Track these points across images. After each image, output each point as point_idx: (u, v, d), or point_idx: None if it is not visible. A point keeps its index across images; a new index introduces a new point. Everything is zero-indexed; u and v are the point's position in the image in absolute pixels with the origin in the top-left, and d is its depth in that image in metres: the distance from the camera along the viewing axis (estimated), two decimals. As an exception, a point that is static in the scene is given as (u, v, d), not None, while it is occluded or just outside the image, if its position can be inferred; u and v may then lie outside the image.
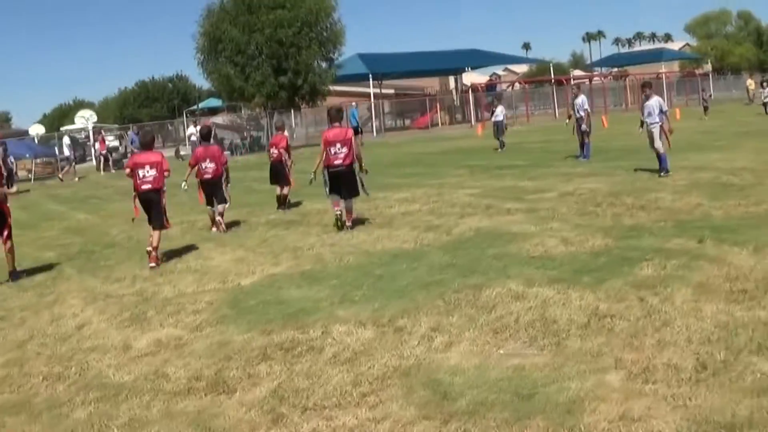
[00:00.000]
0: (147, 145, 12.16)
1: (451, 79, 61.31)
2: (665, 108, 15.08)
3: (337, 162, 12.24)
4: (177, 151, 40.35)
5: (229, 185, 14.29)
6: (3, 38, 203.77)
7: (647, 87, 15.96)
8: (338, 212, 12.39)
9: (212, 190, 13.86)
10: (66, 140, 39.41)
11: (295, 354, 6.54)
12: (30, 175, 40.97)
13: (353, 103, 50.34)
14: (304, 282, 9.15)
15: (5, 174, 14.35)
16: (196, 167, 13.91)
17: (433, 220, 12.58)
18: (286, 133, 17.17)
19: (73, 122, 58.45)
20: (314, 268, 9.87)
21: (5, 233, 11.45)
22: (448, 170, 21.28)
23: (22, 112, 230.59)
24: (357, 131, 40.59)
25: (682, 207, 11.37)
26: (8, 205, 11.78)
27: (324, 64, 43.39)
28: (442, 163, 23.95)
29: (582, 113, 19.93)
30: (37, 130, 66.14)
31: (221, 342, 7.19)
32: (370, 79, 51.25)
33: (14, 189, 15.19)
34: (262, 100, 42.37)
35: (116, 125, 71.03)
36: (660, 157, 14.95)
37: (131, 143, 33.54)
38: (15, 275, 11.51)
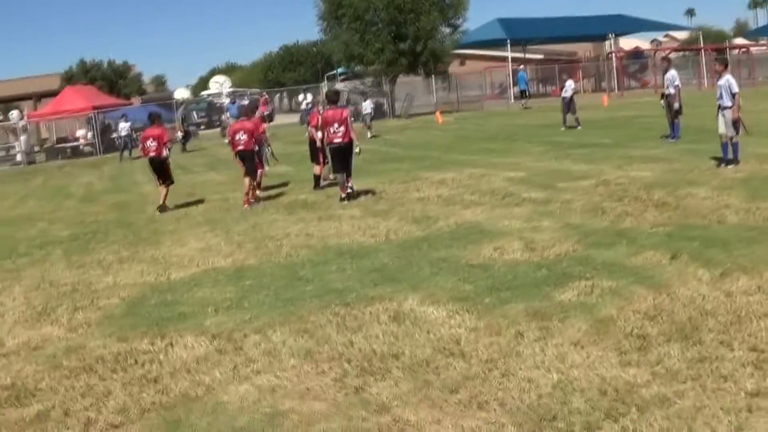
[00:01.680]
0: (245, 115, 14.92)
1: (606, 45, 58.26)
2: (735, 89, 13.10)
3: (337, 140, 13.08)
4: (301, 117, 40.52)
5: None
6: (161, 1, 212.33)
7: (719, 64, 14.00)
8: (346, 192, 13.35)
9: (342, 156, 13.31)
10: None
11: (118, 368, 6.16)
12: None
13: (521, 67, 48.98)
14: (226, 280, 8.74)
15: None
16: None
17: (434, 209, 11.70)
18: (320, 108, 16.16)
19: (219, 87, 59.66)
20: (252, 264, 9.41)
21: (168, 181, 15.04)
22: (525, 146, 20.20)
23: (179, 75, 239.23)
24: (524, 95, 40.13)
25: (706, 208, 9.80)
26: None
27: (447, 30, 41.97)
28: (528, 138, 22.68)
29: (672, 89, 17.93)
30: (181, 94, 68.43)
31: (70, 348, 6.87)
32: (508, 45, 49.51)
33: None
34: (381, 67, 41.65)
35: (258, 89, 72.49)
36: (724, 146, 13.11)
37: (227, 111, 33.66)
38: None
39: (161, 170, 15.17)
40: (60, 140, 44.25)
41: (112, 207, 16.84)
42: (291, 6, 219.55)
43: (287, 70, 78.90)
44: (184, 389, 5.53)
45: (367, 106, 30.27)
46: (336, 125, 12.99)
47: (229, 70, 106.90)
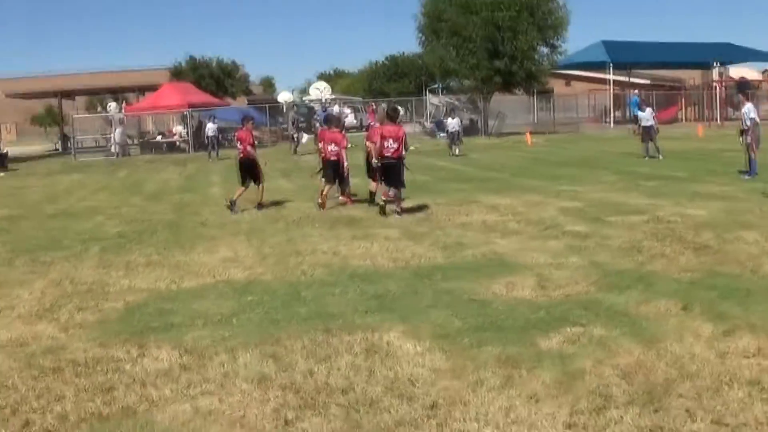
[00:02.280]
0: (336, 126, 16.18)
1: (714, 73, 56.42)
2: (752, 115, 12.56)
3: (388, 154, 13.77)
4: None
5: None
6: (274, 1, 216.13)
7: (742, 94, 13.46)
8: (383, 201, 13.98)
9: (391, 172, 13.96)
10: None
11: (83, 373, 6.23)
12: (258, 142, 43.21)
13: (635, 91, 47.99)
14: (230, 294, 8.75)
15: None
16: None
17: (470, 237, 11.51)
18: (249, 125, 16.75)
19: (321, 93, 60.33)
20: (264, 279, 9.39)
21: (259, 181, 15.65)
22: (599, 175, 19.82)
23: (287, 78, 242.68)
24: (636, 120, 38.82)
25: (746, 254, 9.34)
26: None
27: (545, 50, 41.48)
28: (607, 166, 22.20)
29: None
30: (285, 97, 69.60)
31: (51, 348, 6.99)
32: (610, 68, 48.54)
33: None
34: (475, 83, 41.45)
35: (360, 98, 73.02)
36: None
37: (316, 118, 34.07)
38: (259, 206, 15.47)
39: (251, 171, 15.69)
40: (156, 134, 45.63)
41: (173, 207, 17.15)
42: (400, 17, 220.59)
43: (391, 81, 79.28)
44: (129, 403, 5.52)
45: (453, 124, 29.61)
46: (391, 141, 13.69)
47: (336, 76, 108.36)
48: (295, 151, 33.92)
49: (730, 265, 8.85)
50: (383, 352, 6.34)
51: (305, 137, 36.90)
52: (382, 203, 13.91)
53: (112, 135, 41.70)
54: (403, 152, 13.89)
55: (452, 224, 12.73)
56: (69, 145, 45.67)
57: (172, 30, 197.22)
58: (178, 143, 42.51)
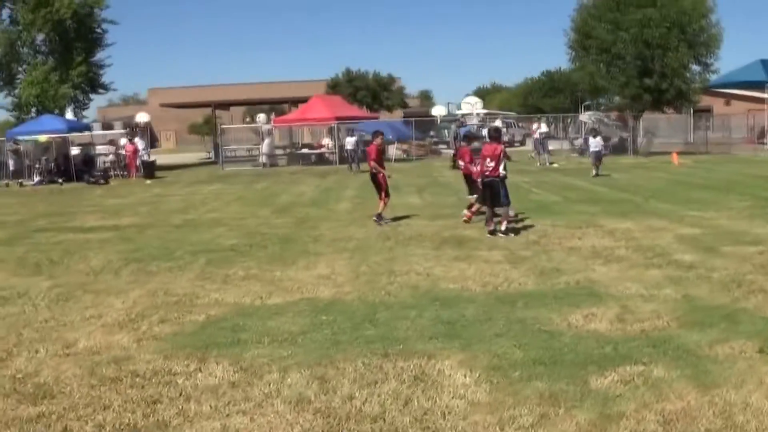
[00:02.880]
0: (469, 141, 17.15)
1: None
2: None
3: (487, 173, 14.07)
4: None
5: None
6: (433, 13, 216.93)
7: None
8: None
9: (490, 190, 14.22)
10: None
11: (137, 385, 6.48)
12: (405, 156, 43.98)
13: None
14: (308, 312, 8.93)
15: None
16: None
17: (572, 263, 11.30)
18: (378, 140, 16.73)
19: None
20: (347, 299, 9.54)
21: (383, 194, 16.21)
22: (733, 200, 18.94)
23: (446, 91, 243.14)
24: None
25: None
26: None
27: (697, 68, 39.96)
28: (745, 191, 21.09)
29: None
30: (439, 111, 70.03)
31: (118, 358, 7.32)
32: (766, 88, 46.19)
33: (388, 173, 17.05)
34: (625, 101, 40.44)
35: (514, 113, 72.62)
36: None
37: (454, 137, 34.14)
38: (378, 218, 16.07)
39: (375, 183, 16.39)
40: (304, 146, 46.88)
41: (296, 220, 17.55)
42: (558, 32, 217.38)
43: (547, 96, 78.51)
44: (166, 417, 5.71)
45: (595, 143, 28.46)
46: (488, 159, 14.00)
47: (493, 90, 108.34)
48: (455, 166, 34.04)
49: None
50: (430, 380, 6.30)
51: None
52: (492, 228, 14.06)
53: (260, 146, 43.08)
54: (501, 171, 14.05)
55: (560, 248, 12.47)
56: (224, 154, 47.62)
57: (331, 43, 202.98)
58: (326, 155, 43.49)
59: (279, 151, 47.35)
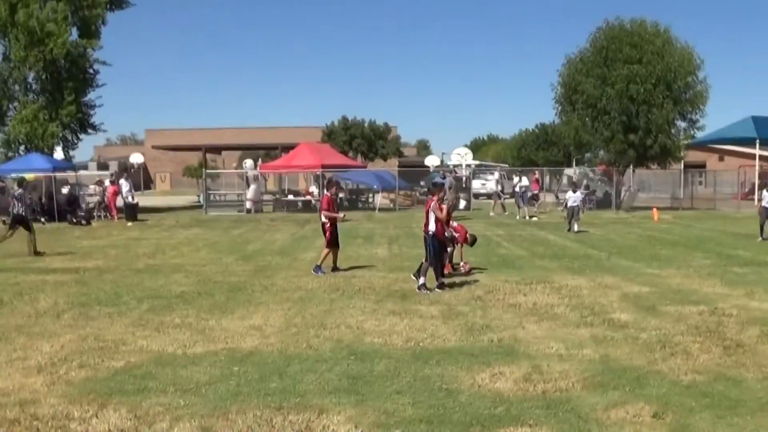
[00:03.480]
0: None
1: None
2: None
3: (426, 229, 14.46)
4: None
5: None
6: (430, 69, 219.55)
7: None
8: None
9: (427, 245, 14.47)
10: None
11: (32, 427, 6.67)
12: (392, 205, 44.22)
13: None
14: (224, 363, 9.08)
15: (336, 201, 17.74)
16: None
17: (504, 320, 11.45)
18: (332, 190, 17.36)
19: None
20: (266, 350, 9.65)
21: (326, 242, 16.52)
22: (695, 257, 19.35)
23: (442, 141, 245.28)
24: None
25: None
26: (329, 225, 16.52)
27: (683, 124, 40.43)
28: (711, 248, 21.46)
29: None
30: (432, 161, 70.65)
31: (25, 401, 7.46)
32: (757, 144, 46.76)
33: (341, 215, 17.55)
34: (609, 156, 40.82)
35: (506, 165, 73.06)
36: None
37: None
38: (316, 269, 16.29)
39: (323, 233, 16.89)
40: (291, 192, 47.15)
41: (255, 269, 17.66)
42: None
43: (540, 149, 79.01)
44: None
45: (574, 198, 27.93)
46: (426, 215, 14.32)
47: (489, 141, 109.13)
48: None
49: (748, 369, 8.39)
50: (310, 436, 6.39)
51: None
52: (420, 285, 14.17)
53: (247, 191, 43.30)
54: (431, 227, 14.21)
55: (501, 304, 12.61)
56: (212, 198, 47.94)
57: (329, 90, 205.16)
58: (313, 203, 43.67)
59: (268, 197, 47.59)
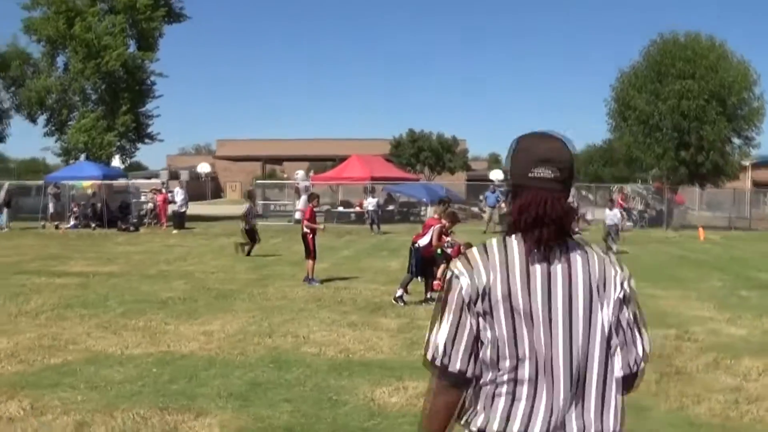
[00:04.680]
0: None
1: None
2: None
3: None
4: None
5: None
6: (503, 76, 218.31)
7: None
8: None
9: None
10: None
11: None
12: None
13: None
14: (149, 365, 9.46)
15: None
16: None
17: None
18: (314, 202, 18.30)
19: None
20: (200, 355, 10.04)
21: (311, 255, 16.94)
22: (713, 278, 19.11)
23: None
24: None
25: (709, 387, 8.78)
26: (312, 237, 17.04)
27: (738, 141, 39.62)
28: (737, 271, 20.99)
29: None
30: (497, 175, 70.33)
31: None
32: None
33: (322, 226, 19.00)
34: (660, 173, 40.27)
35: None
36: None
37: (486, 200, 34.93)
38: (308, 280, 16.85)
39: (305, 244, 17.33)
40: (343, 203, 47.75)
41: (258, 277, 18.12)
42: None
43: (607, 165, 77.87)
44: None
45: (611, 216, 26.51)
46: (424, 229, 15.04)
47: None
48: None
49: (667, 399, 8.24)
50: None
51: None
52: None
53: (297, 202, 44.00)
54: (423, 242, 14.61)
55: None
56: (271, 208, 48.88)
57: (396, 103, 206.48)
58: (366, 215, 44.11)
59: (324, 207, 48.26)
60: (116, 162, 43.41)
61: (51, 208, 37.49)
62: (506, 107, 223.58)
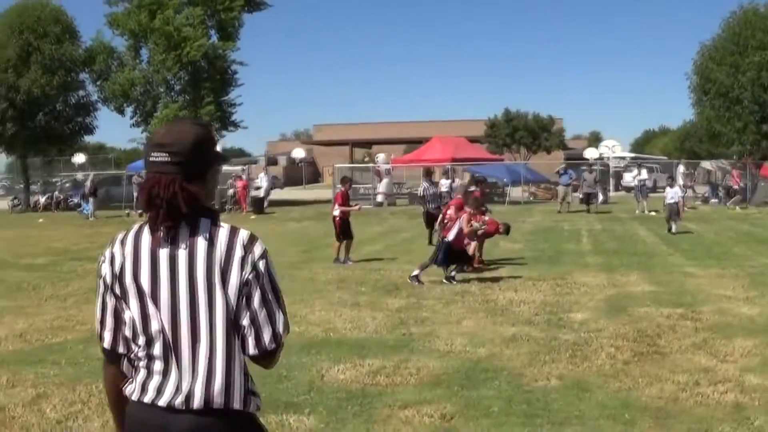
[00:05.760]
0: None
1: None
2: None
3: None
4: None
5: None
6: (598, 61, 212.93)
7: None
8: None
9: None
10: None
11: None
12: (531, 198, 44.40)
13: None
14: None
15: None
16: None
17: (445, 314, 11.77)
18: (345, 186, 18.74)
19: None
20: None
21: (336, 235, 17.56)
22: (762, 258, 18.31)
23: (617, 133, 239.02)
24: None
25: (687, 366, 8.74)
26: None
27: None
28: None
29: None
30: (591, 153, 69.10)
31: None
32: None
33: (357, 206, 19.66)
34: (742, 149, 38.96)
35: (664, 158, 70.53)
36: None
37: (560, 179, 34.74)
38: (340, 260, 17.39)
39: (334, 226, 17.85)
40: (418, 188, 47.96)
41: (299, 260, 18.43)
42: None
43: (703, 141, 75.47)
44: None
45: (671, 194, 25.20)
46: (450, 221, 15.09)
47: (660, 134, 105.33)
48: (588, 210, 34.50)
49: (621, 380, 8.12)
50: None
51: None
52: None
53: (379, 185, 44.52)
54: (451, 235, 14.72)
55: (474, 300, 12.80)
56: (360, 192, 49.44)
57: (493, 84, 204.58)
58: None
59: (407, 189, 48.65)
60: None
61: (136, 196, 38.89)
62: (609, 86, 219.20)
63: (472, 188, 18.27)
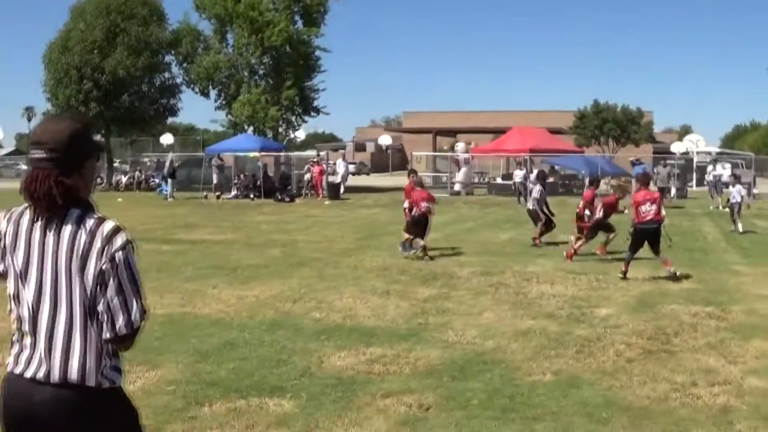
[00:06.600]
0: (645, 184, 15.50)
1: None
2: None
3: (648, 218, 14.41)
4: None
5: None
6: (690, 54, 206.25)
7: None
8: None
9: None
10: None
11: None
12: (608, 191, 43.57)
13: None
14: (206, 326, 10.15)
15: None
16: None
17: (474, 305, 11.78)
18: (411, 177, 18.39)
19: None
20: (221, 317, 10.71)
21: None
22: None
23: (708, 127, 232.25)
24: None
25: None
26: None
27: None
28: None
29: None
30: (678, 147, 67.42)
31: None
32: None
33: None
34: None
35: (750, 154, 68.32)
36: None
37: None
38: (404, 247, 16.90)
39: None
40: (505, 177, 47.82)
41: (358, 247, 18.81)
42: None
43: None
44: None
45: (734, 193, 23.90)
46: (649, 204, 14.60)
47: (751, 129, 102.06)
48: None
49: (614, 377, 8.13)
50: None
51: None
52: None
53: (458, 174, 44.56)
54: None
55: (509, 291, 12.85)
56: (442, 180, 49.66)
57: (582, 76, 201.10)
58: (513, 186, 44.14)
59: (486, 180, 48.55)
60: (300, 133, 45.50)
61: (215, 179, 39.86)
62: (702, 79, 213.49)
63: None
